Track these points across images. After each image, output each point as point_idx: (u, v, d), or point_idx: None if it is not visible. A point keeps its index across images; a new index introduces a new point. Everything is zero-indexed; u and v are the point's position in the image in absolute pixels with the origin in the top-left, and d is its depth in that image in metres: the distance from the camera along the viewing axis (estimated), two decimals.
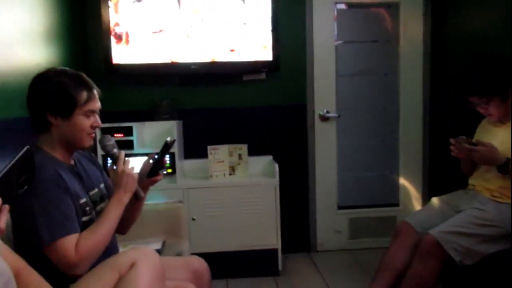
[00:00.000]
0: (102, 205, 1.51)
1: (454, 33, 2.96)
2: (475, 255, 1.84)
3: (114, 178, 1.47)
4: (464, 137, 1.99)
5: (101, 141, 1.54)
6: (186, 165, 2.98)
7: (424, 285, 1.91)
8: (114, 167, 1.49)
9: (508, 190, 1.93)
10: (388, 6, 3.20)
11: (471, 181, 2.17)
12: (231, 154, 2.83)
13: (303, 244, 3.24)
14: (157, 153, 1.59)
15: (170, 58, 2.85)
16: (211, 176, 2.82)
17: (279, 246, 2.79)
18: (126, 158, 1.49)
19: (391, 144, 3.29)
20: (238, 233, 2.75)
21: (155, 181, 1.61)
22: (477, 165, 2.14)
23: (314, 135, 3.17)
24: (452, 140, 2.01)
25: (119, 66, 2.82)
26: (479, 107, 2.01)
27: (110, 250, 1.43)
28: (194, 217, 2.70)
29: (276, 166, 2.79)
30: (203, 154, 2.85)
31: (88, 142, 1.44)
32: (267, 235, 2.78)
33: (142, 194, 1.54)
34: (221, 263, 2.74)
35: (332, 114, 3.17)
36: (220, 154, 2.82)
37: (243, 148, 2.85)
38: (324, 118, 3.17)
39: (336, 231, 3.27)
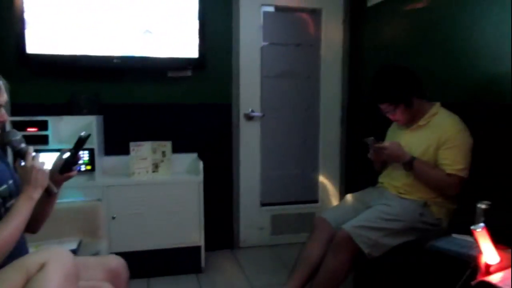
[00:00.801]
0: (12, 201, 1.42)
1: (369, 41, 3.18)
2: (382, 247, 1.99)
3: (22, 174, 1.39)
4: (372, 138, 2.16)
5: (6, 136, 1.44)
6: (106, 162, 2.88)
7: (337, 277, 2.04)
8: (22, 163, 1.41)
9: (411, 187, 2.13)
10: (312, 11, 3.34)
11: (380, 179, 2.35)
12: (154, 151, 2.78)
13: (226, 241, 3.28)
14: (70, 148, 1.53)
15: (91, 50, 2.73)
16: (133, 173, 2.75)
17: (202, 244, 2.80)
18: (35, 153, 1.42)
19: (312, 143, 3.44)
20: (161, 232, 2.72)
21: (69, 177, 1.54)
22: (386, 164, 2.33)
23: (239, 134, 3.23)
24: (366, 140, 2.17)
25: (33, 56, 2.65)
26: (387, 113, 2.19)
27: (18, 251, 1.35)
28: (114, 216, 2.62)
29: (201, 163, 2.80)
30: (126, 151, 2.78)
31: None
32: (190, 232, 2.78)
33: (54, 189, 1.47)
34: (142, 262, 2.70)
35: (257, 114, 3.24)
36: (143, 151, 2.76)
37: (167, 145, 2.81)
38: (248, 117, 3.24)
39: (258, 228, 3.35)
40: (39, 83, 2.84)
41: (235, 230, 3.31)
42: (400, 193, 2.16)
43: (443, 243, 1.75)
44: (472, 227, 1.51)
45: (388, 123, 2.38)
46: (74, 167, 1.54)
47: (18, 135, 1.45)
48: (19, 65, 2.69)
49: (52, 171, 1.48)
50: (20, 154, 1.42)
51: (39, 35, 2.65)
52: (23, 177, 1.38)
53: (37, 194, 1.36)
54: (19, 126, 2.51)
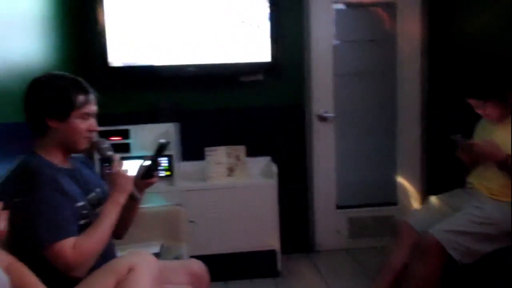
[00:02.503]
0: (100, 208, 1.51)
1: (452, 33, 2.95)
2: (475, 254, 1.84)
3: (109, 180, 1.47)
4: (459, 135, 2.00)
5: (96, 144, 1.53)
6: (184, 167, 2.96)
7: (426, 284, 1.90)
8: (109, 170, 1.49)
9: (508, 189, 1.93)
10: (385, 5, 3.19)
11: (469, 179, 2.17)
12: (229, 155, 2.82)
13: (302, 244, 3.23)
14: (151, 156, 1.59)
15: (167, 60, 2.84)
16: (209, 177, 2.80)
17: (278, 247, 2.78)
18: (120, 160, 1.49)
19: (389, 143, 3.29)
20: (237, 235, 2.74)
21: (151, 183, 1.60)
22: (477, 164, 2.14)
23: (312, 136, 3.17)
24: (455, 138, 2.01)
25: (115, 68, 2.81)
26: (476, 109, 2.01)
27: (107, 255, 1.42)
28: (193, 220, 2.68)
29: (275, 167, 2.78)
30: (201, 156, 2.84)
31: (84, 145, 1.44)
32: (266, 236, 2.77)
33: (138, 195, 1.54)
34: (220, 266, 2.73)
35: (330, 114, 3.17)
36: (218, 156, 2.81)
37: (241, 149, 2.84)
38: (322, 119, 3.17)
39: (335, 231, 3.26)
40: (120, 93, 2.98)
41: (311, 233, 3.25)
42: (494, 194, 1.98)
43: None
44: None
45: (476, 118, 2.18)
46: (155, 173, 1.60)
47: (106, 143, 1.54)
48: (103, 77, 2.86)
49: (136, 177, 1.54)
50: (108, 161, 1.50)
51: (120, 48, 2.80)
52: (110, 183, 1.46)
53: (122, 198, 1.42)
54: (103, 135, 2.66)
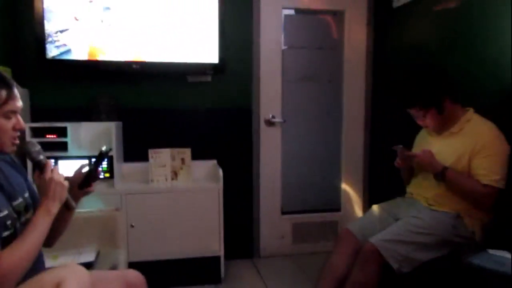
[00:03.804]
0: (27, 216, 1.37)
1: (395, 44, 3.05)
2: (413, 262, 1.88)
3: (41, 187, 1.34)
4: (400, 146, 2.05)
5: (25, 147, 1.40)
6: (125, 169, 2.84)
7: None
8: (40, 175, 1.36)
9: (443, 198, 2.01)
10: (333, 13, 3.25)
11: (408, 189, 2.24)
12: (173, 158, 2.73)
13: (246, 250, 3.20)
14: (90, 163, 1.48)
15: (110, 56, 2.70)
16: (152, 180, 2.70)
17: (221, 253, 2.73)
18: (55, 165, 1.37)
19: (334, 150, 3.34)
20: (179, 240, 2.66)
21: (88, 193, 1.49)
22: (415, 173, 2.22)
23: (259, 140, 3.15)
24: (396, 148, 2.06)
25: (53, 61, 2.63)
26: (417, 119, 2.08)
27: (35, 266, 1.30)
28: (133, 224, 2.57)
29: (220, 170, 2.73)
30: (144, 158, 2.73)
31: (10, 146, 1.31)
32: (209, 241, 2.71)
33: (73, 204, 1.42)
34: (161, 272, 2.64)
35: (278, 119, 3.16)
36: (162, 158, 2.71)
37: (187, 152, 2.76)
38: (269, 123, 3.16)
39: (279, 236, 3.26)
40: (59, 88, 2.82)
41: (255, 239, 3.23)
42: (431, 204, 2.05)
43: (480, 260, 1.63)
44: None
45: (416, 129, 2.26)
46: (94, 183, 1.49)
47: (37, 147, 1.40)
48: (39, 70, 2.67)
49: (70, 184, 1.43)
50: (38, 166, 1.37)
51: (59, 40, 2.62)
52: (41, 190, 1.33)
53: (55, 208, 1.30)
54: (38, 132, 2.50)
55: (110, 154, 2.56)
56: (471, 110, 2.05)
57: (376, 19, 3.23)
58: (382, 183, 3.17)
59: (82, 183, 1.47)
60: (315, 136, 3.30)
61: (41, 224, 1.27)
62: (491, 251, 1.75)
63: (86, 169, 1.49)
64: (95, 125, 2.65)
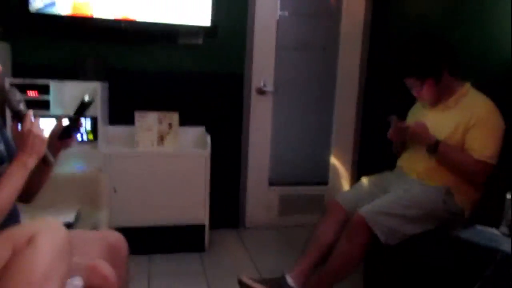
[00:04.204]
0: (1, 169, 1.30)
1: (395, 13, 2.96)
2: (400, 235, 1.85)
3: (18, 138, 1.26)
4: (394, 116, 2.00)
5: (4, 94, 1.31)
6: (110, 132, 2.74)
7: (350, 262, 1.91)
8: (19, 126, 1.28)
9: (434, 172, 1.97)
10: None
11: (399, 162, 2.20)
12: (160, 122, 2.65)
13: (232, 219, 3.16)
14: (71, 115, 1.40)
15: (99, 12, 2.56)
16: (137, 144, 2.62)
17: (206, 222, 2.69)
18: (34, 117, 1.28)
19: (326, 121, 3.28)
20: (164, 207, 2.60)
21: (68, 145, 1.41)
22: (406, 146, 2.17)
23: (250, 108, 3.07)
24: (390, 119, 2.01)
25: (36, 14, 2.49)
26: (413, 89, 2.02)
27: (9, 222, 1.23)
28: (116, 189, 2.50)
29: (208, 137, 2.66)
30: (130, 121, 2.64)
31: None
32: (195, 209, 2.66)
33: (52, 159, 1.33)
34: (144, 238, 2.60)
35: (269, 88, 3.08)
36: (149, 122, 2.63)
37: (174, 116, 2.68)
38: (260, 91, 3.07)
39: (265, 208, 3.23)
40: (43, 43, 2.69)
41: (242, 209, 3.19)
42: (421, 178, 2.01)
43: (469, 234, 1.61)
44: None
45: (410, 102, 2.21)
46: (74, 134, 1.41)
47: (18, 96, 1.31)
48: (22, 23, 2.54)
49: (50, 137, 1.35)
50: (18, 116, 1.28)
51: None
52: (18, 142, 1.25)
53: (32, 162, 1.23)
54: (19, 89, 2.37)
55: (95, 115, 2.48)
56: (468, 84, 2.00)
57: None
58: (372, 157, 3.14)
59: (62, 133, 1.39)
60: (306, 106, 3.23)
61: (16, 177, 1.20)
62: (479, 227, 1.73)
63: (66, 121, 1.40)
64: (80, 84, 2.52)
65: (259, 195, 3.20)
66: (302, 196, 3.28)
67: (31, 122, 1.26)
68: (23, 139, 1.24)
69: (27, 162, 1.23)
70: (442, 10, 2.50)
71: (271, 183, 3.24)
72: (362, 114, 3.27)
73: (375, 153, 3.03)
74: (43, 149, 1.27)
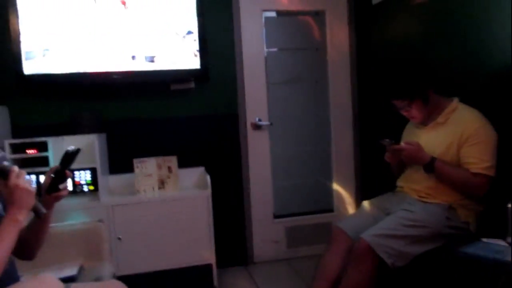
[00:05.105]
0: None
1: (377, 40, 3.04)
2: (406, 256, 1.83)
3: (6, 194, 1.27)
4: (388, 139, 2.01)
5: None
6: (111, 181, 2.78)
7: None
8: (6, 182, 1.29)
9: (434, 190, 1.97)
10: (315, 14, 3.23)
11: (399, 183, 2.20)
12: (159, 167, 2.67)
13: (239, 256, 3.13)
14: (57, 166, 1.41)
15: (89, 68, 2.65)
16: (138, 191, 2.64)
17: (213, 261, 2.66)
18: (20, 171, 1.30)
19: (324, 150, 3.30)
20: (170, 251, 2.59)
21: (59, 197, 1.42)
22: (405, 167, 2.18)
23: (247, 144, 3.10)
24: (383, 142, 2.03)
25: (31, 76, 2.57)
26: (402, 110, 2.05)
27: (7, 281, 1.23)
28: (120, 237, 2.50)
29: (208, 177, 2.68)
30: (131, 169, 2.67)
31: None
32: (201, 250, 2.64)
33: (43, 210, 1.33)
34: (152, 284, 2.57)
35: (264, 122, 3.12)
36: (148, 168, 2.66)
37: (173, 160, 2.70)
38: (256, 127, 3.11)
39: (273, 241, 3.19)
40: (39, 103, 2.76)
41: (249, 245, 3.16)
42: (422, 197, 2.00)
43: (474, 249, 1.59)
44: None
45: (403, 122, 2.23)
46: (62, 186, 1.42)
47: (1, 153, 1.34)
48: (18, 86, 2.62)
49: (41, 190, 1.36)
50: (3, 173, 1.30)
51: (35, 55, 2.57)
52: (6, 198, 1.26)
53: (22, 216, 1.24)
54: (18, 148, 2.44)
55: (94, 166, 2.51)
56: (456, 99, 2.02)
57: (356, 17, 3.21)
58: (374, 180, 3.13)
59: (49, 187, 1.40)
60: (304, 137, 3.26)
61: (6, 232, 1.21)
62: (485, 240, 1.71)
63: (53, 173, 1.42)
64: (78, 138, 2.57)
65: (265, 229, 3.18)
66: (309, 226, 3.25)
67: (17, 176, 1.27)
68: (11, 194, 1.25)
69: (17, 217, 1.23)
70: (419, 31, 2.57)
71: (276, 216, 3.22)
72: (359, 139, 3.29)
73: (377, 176, 3.03)
74: (31, 202, 1.28)
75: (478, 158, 1.86)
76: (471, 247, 1.63)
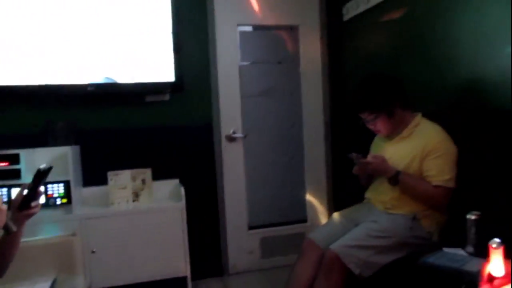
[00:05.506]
0: None
1: (348, 55, 3.15)
2: (373, 266, 1.90)
3: None
4: (354, 153, 2.09)
5: None
6: (85, 194, 2.77)
7: None
8: None
9: (399, 201, 2.06)
10: (289, 28, 3.31)
11: (367, 194, 2.28)
12: (134, 179, 2.69)
13: (215, 268, 3.15)
14: (29, 183, 1.42)
15: (64, 79, 2.64)
16: (112, 203, 2.64)
17: (188, 273, 2.67)
18: None
19: (297, 162, 3.37)
20: (144, 263, 2.59)
21: (30, 215, 1.43)
22: (372, 179, 2.26)
23: (222, 156, 3.14)
24: (351, 156, 2.10)
25: (2, 88, 2.56)
26: (368, 124, 2.13)
27: None
28: (94, 250, 2.49)
29: (182, 189, 2.70)
30: (105, 181, 2.68)
31: None
32: (176, 262, 2.65)
33: (13, 228, 1.34)
34: None
35: (239, 134, 3.17)
36: (122, 180, 2.66)
37: (147, 172, 2.72)
38: (230, 139, 3.16)
39: (248, 252, 3.23)
40: (12, 115, 2.73)
41: (224, 256, 3.19)
42: (388, 208, 2.09)
43: (435, 259, 1.67)
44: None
45: (373, 135, 2.32)
46: (34, 203, 1.43)
47: None
48: None
49: (12, 207, 1.37)
50: None
51: (8, 66, 2.56)
52: None
53: None
54: None
55: (67, 179, 2.51)
56: (419, 115, 2.12)
57: (328, 32, 3.31)
58: (345, 191, 3.21)
59: (21, 204, 1.40)
60: (278, 149, 3.32)
61: None
62: (446, 250, 1.79)
63: (26, 190, 1.43)
64: (50, 151, 2.56)
65: (240, 240, 3.22)
66: (283, 237, 3.30)
67: None
68: None
69: None
70: (389, 46, 2.68)
71: (251, 227, 3.26)
72: (331, 151, 3.37)
73: (347, 186, 3.11)
74: (2, 219, 1.29)
75: (438, 171, 1.95)
76: (433, 257, 1.70)
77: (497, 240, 1.34)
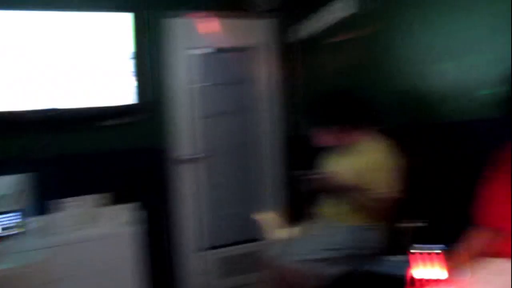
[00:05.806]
0: None
1: (304, 74, 3.29)
2: (327, 278, 1.99)
3: None
4: (301, 171, 2.20)
5: None
6: (41, 222, 2.70)
7: None
8: None
9: (347, 214, 2.17)
10: (247, 49, 3.41)
11: (318, 208, 2.39)
12: (89, 205, 2.67)
13: None
14: None
15: (15, 106, 2.61)
16: (67, 231, 2.61)
17: None
18: None
19: (255, 180, 3.45)
20: None
21: None
22: (324, 193, 2.38)
23: (178, 178, 3.18)
24: (298, 174, 2.21)
25: None
26: (321, 139, 2.26)
27: None
28: (49, 280, 2.43)
29: (138, 213, 2.71)
30: (61, 208, 2.64)
31: None
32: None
33: None
34: None
35: (198, 155, 3.23)
36: (77, 206, 2.65)
37: (103, 198, 2.72)
38: (187, 160, 3.21)
39: (205, 273, 3.25)
40: None
41: (182, 278, 3.19)
42: (337, 220, 2.20)
43: (378, 266, 1.79)
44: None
45: (327, 151, 2.42)
46: None
47: None
48: None
49: None
50: None
51: None
52: None
53: None
54: None
55: (21, 208, 2.46)
56: (367, 130, 2.25)
57: (283, 52, 3.43)
58: (301, 208, 3.30)
59: None
60: (236, 168, 3.40)
61: None
62: (391, 258, 1.92)
63: None
64: (5, 179, 2.52)
65: (197, 261, 3.23)
66: (240, 255, 3.34)
67: None
68: None
69: None
70: (342, 66, 2.81)
71: (208, 248, 3.29)
72: (288, 168, 3.46)
73: (303, 203, 3.20)
74: None
75: (378, 185, 2.07)
76: (379, 265, 1.83)
77: (417, 246, 1.45)
